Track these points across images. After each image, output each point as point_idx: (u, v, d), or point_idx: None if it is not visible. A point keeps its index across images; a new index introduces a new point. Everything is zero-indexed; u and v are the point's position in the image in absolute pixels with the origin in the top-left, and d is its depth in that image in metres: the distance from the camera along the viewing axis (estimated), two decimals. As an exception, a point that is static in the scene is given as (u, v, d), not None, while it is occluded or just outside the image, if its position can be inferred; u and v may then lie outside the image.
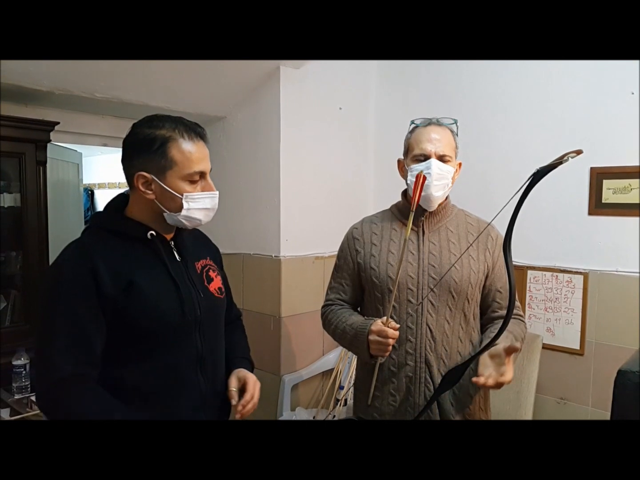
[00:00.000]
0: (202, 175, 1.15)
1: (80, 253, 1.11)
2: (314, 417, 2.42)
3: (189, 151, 1.12)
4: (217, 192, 1.18)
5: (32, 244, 2.07)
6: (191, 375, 1.20)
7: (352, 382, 2.34)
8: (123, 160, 1.16)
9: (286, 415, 2.38)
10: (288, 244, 2.39)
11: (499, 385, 1.28)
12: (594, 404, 2.08)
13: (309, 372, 2.51)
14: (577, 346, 2.11)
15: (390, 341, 1.29)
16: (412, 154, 1.42)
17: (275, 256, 2.39)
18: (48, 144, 2.06)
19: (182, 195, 1.12)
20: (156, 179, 1.11)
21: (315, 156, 2.47)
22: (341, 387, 2.51)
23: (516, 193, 1.06)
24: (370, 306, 1.48)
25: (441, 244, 1.44)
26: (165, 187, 1.11)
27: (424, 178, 1.28)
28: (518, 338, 1.41)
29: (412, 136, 1.44)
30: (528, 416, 1.96)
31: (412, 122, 1.47)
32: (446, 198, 1.49)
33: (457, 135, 1.47)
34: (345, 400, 2.46)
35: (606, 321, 2.04)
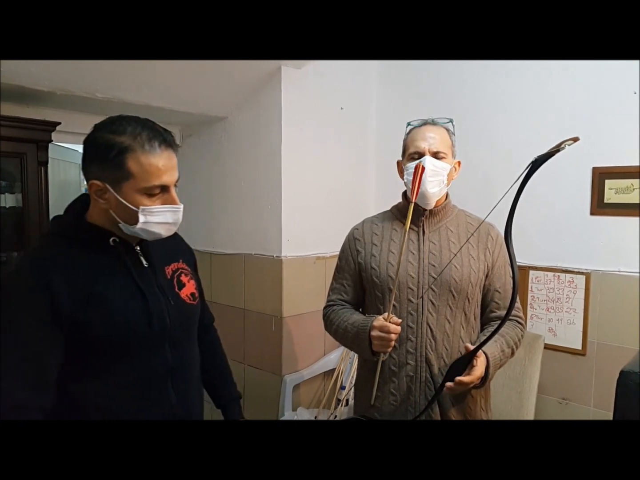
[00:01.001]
0: (163, 188, 1.05)
1: (36, 265, 1.03)
2: (315, 417, 2.42)
3: (149, 164, 1.01)
4: (181, 206, 1.09)
5: (34, 245, 2.07)
6: (161, 390, 1.13)
7: (354, 382, 2.35)
8: (81, 162, 1.07)
9: (287, 415, 2.38)
10: (289, 244, 2.39)
11: (462, 384, 1.26)
12: (596, 405, 2.07)
13: (310, 372, 2.51)
14: (579, 346, 2.11)
15: (393, 336, 1.29)
16: (407, 153, 1.45)
17: (276, 256, 2.39)
18: (49, 144, 2.06)
19: (138, 208, 1.03)
20: (110, 189, 1.02)
21: (317, 156, 2.47)
22: (342, 388, 2.50)
23: (515, 182, 1.07)
24: (371, 306, 1.48)
25: (441, 244, 1.44)
26: (119, 198, 1.02)
27: (423, 168, 1.29)
28: (510, 343, 1.41)
29: (408, 137, 1.47)
30: (530, 416, 1.96)
31: (409, 124, 1.50)
32: (446, 197, 1.50)
33: (453, 134, 1.48)
34: (347, 400, 2.46)
35: (608, 321, 2.04)
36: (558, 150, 1.05)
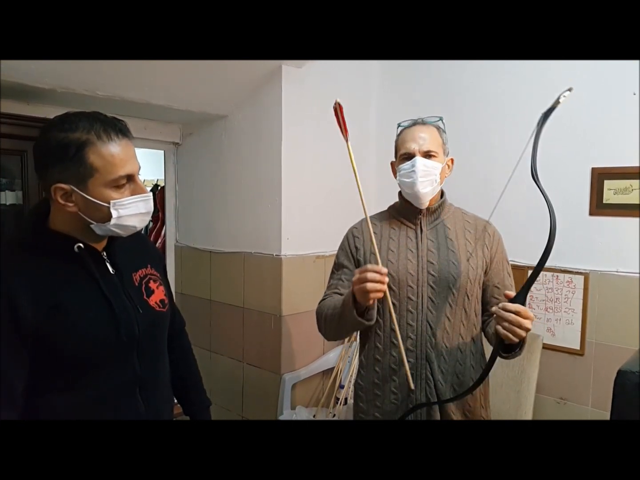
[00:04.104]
0: (129, 178, 1.02)
1: None
2: (314, 416, 2.42)
3: (111, 154, 0.98)
4: (150, 194, 1.06)
5: None
6: (129, 401, 1.10)
7: (353, 381, 2.35)
8: (36, 170, 1.03)
9: (286, 413, 2.39)
10: (289, 243, 2.39)
11: (516, 311, 1.16)
12: (594, 404, 2.08)
13: (309, 371, 2.51)
14: (577, 346, 2.11)
15: (370, 275, 1.17)
16: (399, 154, 1.46)
17: (276, 255, 2.39)
18: (50, 142, 2.06)
19: (108, 203, 0.99)
20: (76, 189, 0.98)
21: (317, 155, 2.47)
22: (341, 386, 2.51)
23: (529, 139, 1.24)
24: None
25: (439, 241, 1.45)
26: (87, 197, 0.98)
27: (340, 107, 1.19)
28: None
29: (399, 138, 1.48)
30: (528, 416, 1.96)
31: (399, 125, 1.51)
32: (442, 196, 1.51)
33: (444, 132, 1.49)
34: (346, 399, 2.47)
35: (606, 321, 2.04)
36: (558, 103, 1.17)
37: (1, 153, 1.94)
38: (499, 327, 1.18)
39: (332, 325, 1.42)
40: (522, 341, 1.24)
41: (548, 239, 1.19)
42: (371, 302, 1.24)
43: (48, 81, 1.92)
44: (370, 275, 1.18)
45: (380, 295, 1.21)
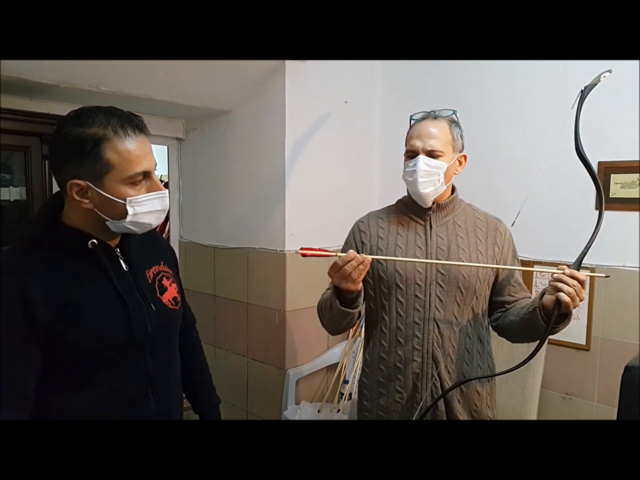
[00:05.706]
0: (146, 174, 1.00)
1: (7, 272, 0.96)
2: (318, 411, 2.42)
3: (127, 150, 0.96)
4: (166, 191, 1.05)
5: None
6: (141, 400, 1.09)
7: (357, 376, 2.35)
8: (51, 165, 1.01)
9: (291, 409, 2.39)
10: (293, 239, 2.38)
11: (574, 277, 1.21)
12: (600, 400, 2.07)
13: (313, 366, 2.52)
14: (583, 341, 2.10)
15: (348, 267, 1.26)
16: (405, 150, 1.43)
17: (280, 250, 2.39)
18: (53, 138, 2.06)
19: (124, 200, 0.98)
20: (92, 185, 0.96)
21: (320, 150, 2.46)
22: (345, 382, 2.51)
23: (571, 108, 1.25)
24: (376, 301, 1.47)
25: (449, 239, 1.42)
26: (103, 193, 0.97)
27: None
28: None
29: (409, 133, 1.44)
30: (533, 411, 1.96)
31: (411, 118, 1.47)
32: (453, 192, 1.48)
33: (457, 126, 1.44)
34: (350, 394, 2.47)
35: (612, 317, 2.03)
36: (599, 81, 1.23)
37: (5, 149, 1.94)
38: (562, 295, 1.18)
39: (325, 318, 1.46)
40: (570, 314, 1.26)
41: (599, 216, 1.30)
42: (359, 286, 1.30)
43: (51, 77, 1.92)
44: (348, 266, 1.25)
45: (363, 272, 1.26)
